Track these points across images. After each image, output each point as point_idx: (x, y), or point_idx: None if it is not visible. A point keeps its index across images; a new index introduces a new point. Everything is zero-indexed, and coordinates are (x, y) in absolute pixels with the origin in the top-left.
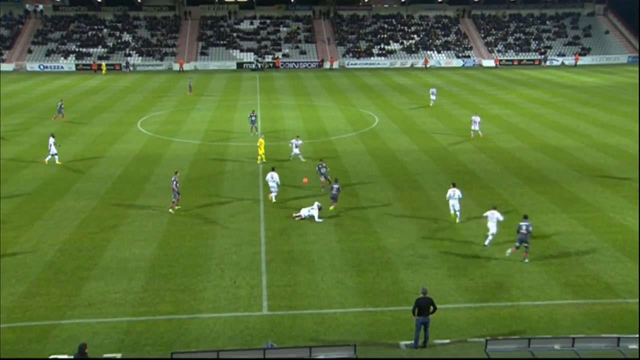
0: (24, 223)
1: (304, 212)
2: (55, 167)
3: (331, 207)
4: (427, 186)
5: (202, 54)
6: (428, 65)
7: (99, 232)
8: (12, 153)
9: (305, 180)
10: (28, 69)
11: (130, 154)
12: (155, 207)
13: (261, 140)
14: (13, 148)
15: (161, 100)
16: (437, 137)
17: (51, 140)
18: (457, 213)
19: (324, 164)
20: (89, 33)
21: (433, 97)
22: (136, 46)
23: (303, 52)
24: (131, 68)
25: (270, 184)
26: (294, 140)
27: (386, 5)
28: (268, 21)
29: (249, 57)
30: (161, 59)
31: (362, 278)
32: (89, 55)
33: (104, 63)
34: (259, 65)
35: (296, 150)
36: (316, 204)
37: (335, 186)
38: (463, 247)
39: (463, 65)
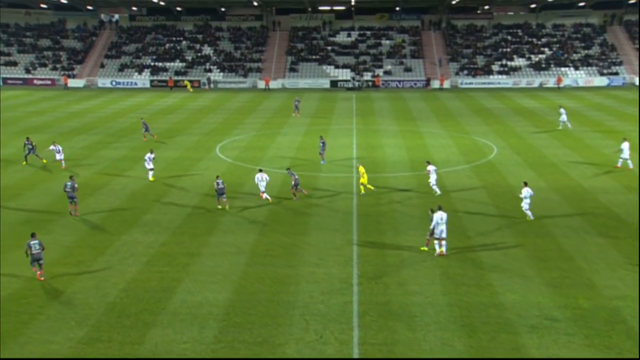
0: (87, 258)
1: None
2: (123, 196)
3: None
4: (558, 232)
5: (291, 70)
6: (561, 85)
7: (168, 271)
8: (78, 179)
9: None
10: (99, 85)
11: (206, 183)
12: (231, 244)
13: (361, 169)
14: (80, 174)
15: (243, 122)
16: (572, 173)
17: (150, 155)
18: None
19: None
20: (166, 46)
21: (563, 119)
22: (217, 60)
23: (408, 69)
24: (212, 85)
25: (261, 184)
26: (429, 168)
27: (511, 13)
28: (368, 33)
29: (345, 74)
30: (245, 75)
31: (473, 340)
32: (165, 70)
33: (186, 80)
34: (357, 83)
35: (432, 178)
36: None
37: (219, 181)
38: (606, 310)
39: (609, 84)
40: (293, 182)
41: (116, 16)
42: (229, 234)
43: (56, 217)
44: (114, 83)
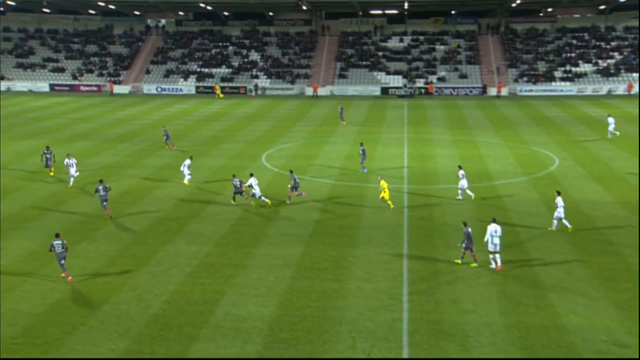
0: (130, 268)
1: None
2: (167, 205)
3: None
4: (626, 251)
5: (341, 76)
6: (632, 92)
7: (211, 283)
8: (121, 187)
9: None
10: (145, 91)
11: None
12: (277, 256)
13: (383, 183)
14: (123, 182)
15: (290, 130)
16: None
17: (188, 162)
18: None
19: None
20: (213, 51)
21: (611, 129)
22: (264, 66)
23: (463, 76)
24: (258, 92)
25: (256, 188)
26: (461, 173)
27: (577, 16)
28: (421, 38)
29: (397, 81)
30: (292, 82)
31: None
32: (211, 76)
33: (218, 86)
34: (409, 91)
35: (464, 183)
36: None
37: (236, 180)
38: None
39: None
40: (292, 184)
41: (162, 21)
42: (275, 246)
43: (100, 226)
44: (159, 89)
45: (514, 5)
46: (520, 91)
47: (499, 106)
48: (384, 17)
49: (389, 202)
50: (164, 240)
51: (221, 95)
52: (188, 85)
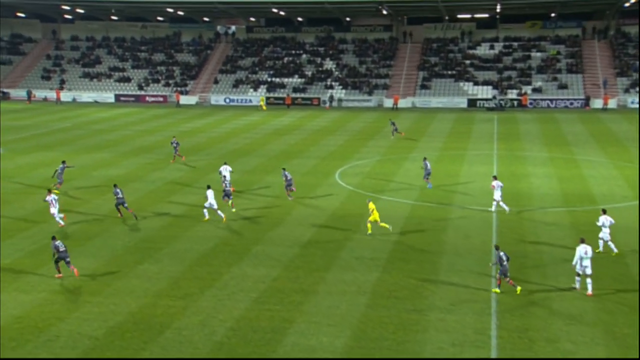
0: (194, 291)
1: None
2: (233, 224)
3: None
4: None
5: (423, 87)
6: None
7: (279, 309)
8: (186, 203)
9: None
10: (212, 102)
11: (324, 212)
12: (351, 282)
13: (371, 205)
14: (189, 198)
15: (367, 145)
16: None
17: (227, 167)
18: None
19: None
20: (285, 59)
21: None
22: (340, 76)
23: (563, 86)
24: (333, 103)
25: (212, 201)
26: (495, 183)
27: None
28: (515, 44)
29: (486, 92)
30: (370, 93)
31: None
32: (283, 86)
33: (262, 97)
34: (500, 103)
35: (497, 194)
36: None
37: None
38: None
39: None
40: (286, 183)
41: (233, 28)
42: (348, 271)
43: (164, 245)
44: (227, 100)
45: (626, 4)
46: (632, 103)
47: (605, 120)
48: (473, 22)
49: (383, 224)
50: (230, 262)
51: (264, 108)
52: (258, 96)
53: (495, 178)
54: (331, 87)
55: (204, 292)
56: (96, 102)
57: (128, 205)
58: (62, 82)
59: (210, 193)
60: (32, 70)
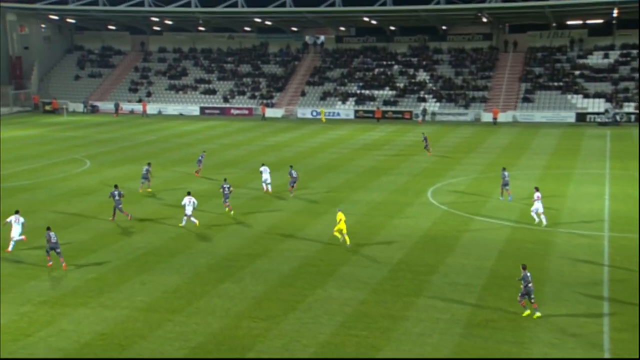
0: (276, 313)
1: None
2: (317, 243)
3: (232, 212)
4: None
5: (525, 100)
6: None
7: (366, 335)
8: (271, 221)
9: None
10: (299, 115)
11: (414, 233)
12: (443, 309)
13: (340, 215)
14: (274, 215)
15: (462, 162)
16: None
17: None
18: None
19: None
20: (375, 71)
21: None
22: (434, 88)
23: None
24: (426, 117)
25: (188, 208)
26: (537, 195)
27: None
28: (634, 52)
29: (597, 105)
30: (466, 106)
31: None
32: (373, 99)
33: (322, 109)
34: (614, 117)
35: (538, 206)
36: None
37: (226, 186)
38: None
39: None
40: (291, 180)
41: (321, 38)
42: (441, 297)
43: (246, 264)
44: (314, 113)
45: None
46: None
47: None
48: (584, 29)
49: (347, 237)
50: (314, 283)
51: (324, 120)
52: (346, 109)
53: (537, 190)
54: (424, 99)
55: (287, 315)
56: (181, 114)
57: (127, 210)
58: (149, 94)
59: (187, 199)
60: (120, 82)
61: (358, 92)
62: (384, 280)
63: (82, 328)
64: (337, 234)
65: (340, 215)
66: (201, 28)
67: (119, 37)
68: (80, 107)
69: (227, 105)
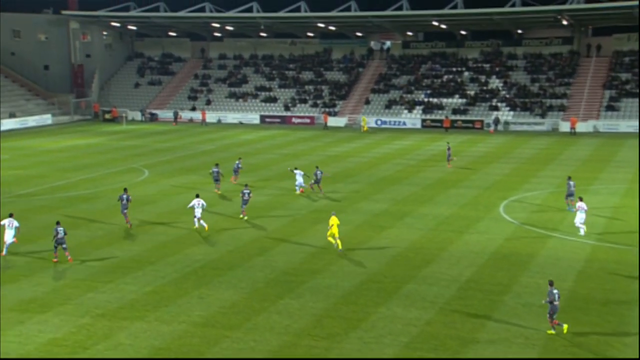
0: (337, 331)
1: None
2: (382, 259)
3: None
4: None
5: (609, 108)
6: None
7: (434, 358)
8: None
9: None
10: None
11: (485, 250)
12: (517, 333)
13: (334, 219)
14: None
15: (538, 175)
16: None
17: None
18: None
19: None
20: (444, 77)
21: None
22: (507, 96)
23: None
24: (499, 127)
25: (197, 210)
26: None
27: None
28: None
29: None
30: (543, 115)
31: None
32: (441, 107)
33: (363, 117)
34: None
35: (581, 217)
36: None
37: (246, 191)
38: None
39: None
40: (315, 180)
41: (387, 43)
42: (514, 319)
43: (306, 279)
44: (379, 122)
45: None
46: None
47: None
48: None
49: (338, 241)
50: (378, 301)
51: (365, 128)
52: (413, 118)
53: (581, 199)
54: (496, 108)
55: (349, 334)
56: (241, 123)
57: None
58: (208, 102)
59: (196, 202)
60: (180, 90)
61: (425, 100)
62: (452, 299)
63: (139, 342)
64: (330, 239)
65: (334, 220)
66: (262, 34)
67: (179, 44)
68: (139, 115)
69: (288, 113)
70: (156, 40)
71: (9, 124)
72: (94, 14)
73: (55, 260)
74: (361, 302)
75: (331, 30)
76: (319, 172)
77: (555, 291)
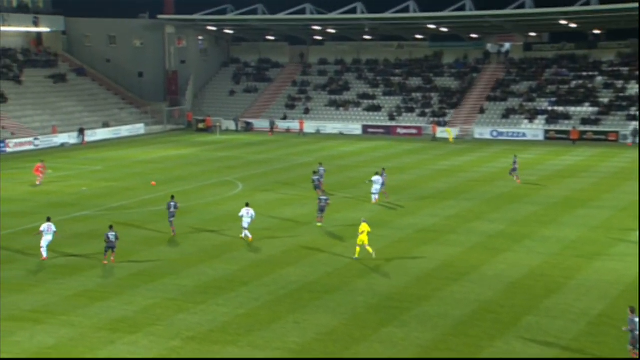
0: None
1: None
2: (498, 285)
3: (319, 224)
4: None
5: None
6: None
7: None
8: (440, 257)
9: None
10: (476, 135)
11: (621, 280)
12: None
13: (364, 226)
14: (443, 251)
15: None
16: None
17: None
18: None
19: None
20: (572, 83)
21: None
22: None
23: None
24: (637, 139)
25: (245, 219)
26: None
27: None
28: None
29: None
30: None
31: None
32: (567, 117)
33: (448, 129)
34: None
35: None
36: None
37: (323, 198)
38: None
39: None
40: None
41: (506, 45)
42: None
43: (411, 306)
44: (494, 133)
45: None
46: None
47: None
48: None
49: (369, 248)
50: (493, 333)
51: (452, 140)
52: (534, 129)
53: None
54: (635, 117)
55: None
56: (341, 133)
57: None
58: (307, 110)
59: (245, 211)
60: (276, 98)
61: (550, 109)
62: (581, 335)
63: None
64: (358, 248)
65: (364, 226)
66: (367, 37)
67: (277, 48)
68: (233, 124)
69: (393, 123)
70: (253, 44)
71: (102, 133)
72: (190, 18)
73: (105, 262)
74: (473, 334)
75: (443, 32)
76: (321, 168)
77: (636, 319)
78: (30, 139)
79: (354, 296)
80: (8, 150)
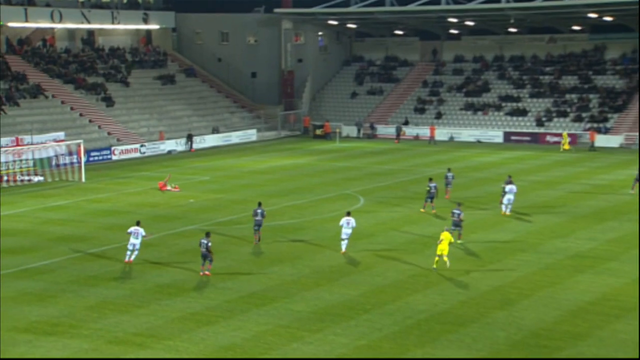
0: None
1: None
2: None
3: (459, 241)
4: None
5: None
6: None
7: None
8: (599, 287)
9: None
10: None
11: None
12: None
13: (446, 235)
14: (602, 280)
15: None
16: None
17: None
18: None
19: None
20: None
21: None
22: None
23: None
24: None
25: (345, 230)
26: None
27: None
28: None
29: None
30: None
31: None
32: None
33: (564, 133)
34: None
35: None
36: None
37: (456, 211)
38: None
39: None
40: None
41: None
42: None
43: (564, 345)
44: None
45: None
46: None
47: None
48: None
49: (445, 258)
50: None
51: (567, 147)
52: None
53: None
54: None
55: None
56: (479, 141)
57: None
58: (439, 115)
59: (345, 220)
60: (404, 100)
61: None
62: None
63: None
64: (437, 258)
65: (446, 235)
66: (512, 29)
67: (406, 45)
68: (355, 130)
69: (542, 130)
70: (379, 40)
71: (211, 140)
72: (310, 12)
73: (201, 274)
74: None
75: (606, 21)
76: (449, 174)
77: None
78: (137, 146)
79: (493, 330)
80: (114, 157)
